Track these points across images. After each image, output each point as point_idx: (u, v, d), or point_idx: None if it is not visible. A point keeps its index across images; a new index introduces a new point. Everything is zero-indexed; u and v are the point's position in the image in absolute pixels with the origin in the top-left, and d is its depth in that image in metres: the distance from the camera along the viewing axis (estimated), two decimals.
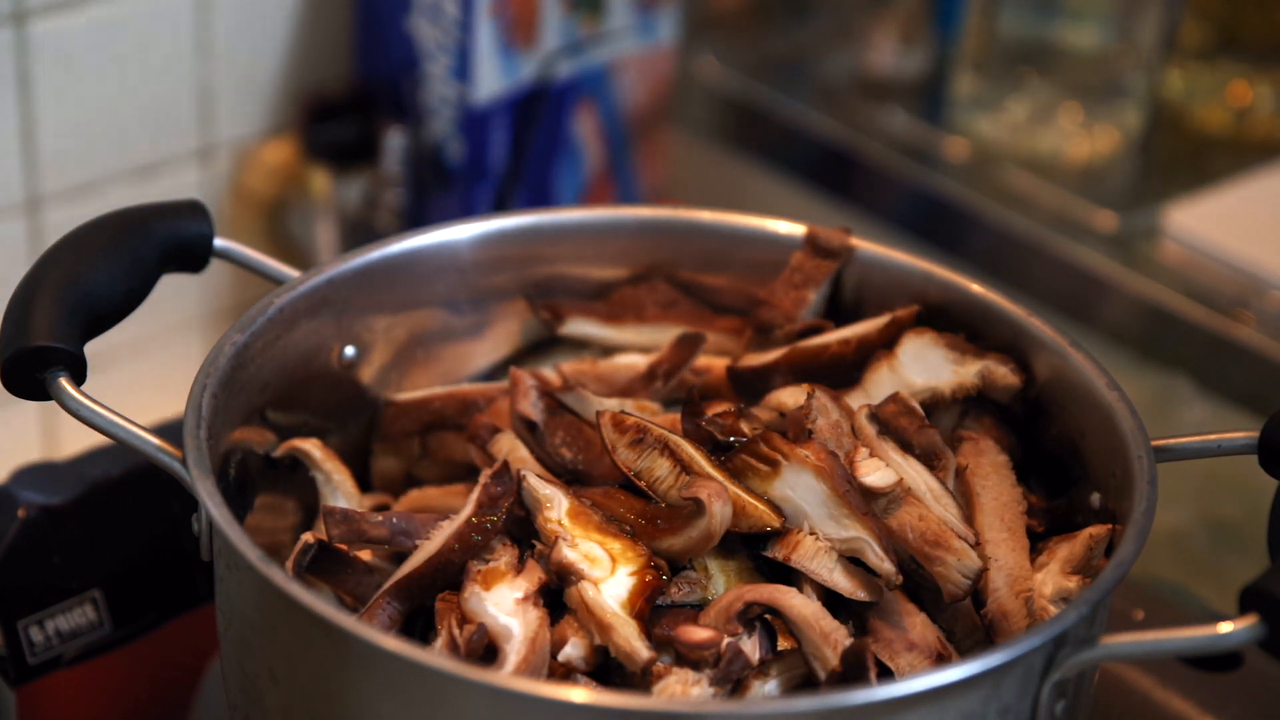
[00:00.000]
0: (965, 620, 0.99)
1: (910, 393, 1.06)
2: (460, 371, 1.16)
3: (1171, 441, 1.01)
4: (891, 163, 1.76)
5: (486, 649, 0.91)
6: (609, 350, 1.16)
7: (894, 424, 1.04)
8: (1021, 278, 1.66)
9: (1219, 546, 1.55)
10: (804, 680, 0.93)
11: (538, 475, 0.99)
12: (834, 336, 1.10)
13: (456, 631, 0.93)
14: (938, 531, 0.97)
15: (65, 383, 0.96)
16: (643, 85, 1.67)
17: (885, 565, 0.95)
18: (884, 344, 1.09)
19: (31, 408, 1.45)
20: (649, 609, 0.94)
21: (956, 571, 0.97)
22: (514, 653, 0.91)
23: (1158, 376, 1.59)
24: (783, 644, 0.94)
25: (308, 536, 0.99)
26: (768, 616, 0.94)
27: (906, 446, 1.03)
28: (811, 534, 0.96)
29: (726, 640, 0.92)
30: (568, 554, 0.95)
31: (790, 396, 1.07)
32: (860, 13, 1.92)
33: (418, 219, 1.55)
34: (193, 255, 1.08)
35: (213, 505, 0.92)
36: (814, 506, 0.97)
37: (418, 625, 0.97)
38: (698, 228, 1.17)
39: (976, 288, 1.10)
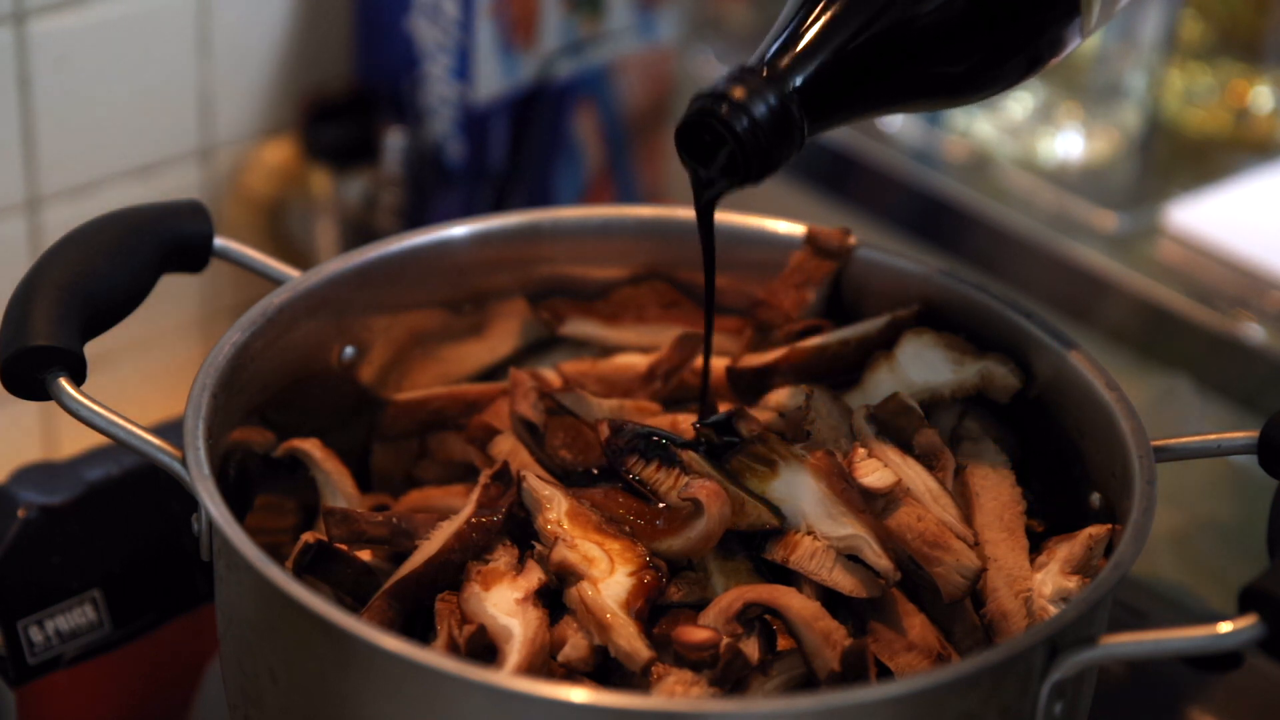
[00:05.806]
0: (965, 620, 0.99)
1: (910, 393, 1.06)
2: (460, 371, 1.16)
3: (1171, 441, 1.01)
4: (891, 163, 1.76)
5: (486, 649, 0.91)
6: (609, 350, 1.16)
7: (893, 424, 1.04)
8: (1021, 278, 1.66)
9: (1219, 546, 1.54)
10: (804, 680, 0.93)
11: (537, 476, 0.99)
12: (834, 336, 1.10)
13: (456, 631, 0.93)
14: (936, 532, 0.97)
15: (65, 383, 0.96)
16: (643, 85, 1.67)
17: (883, 562, 0.95)
18: (883, 344, 1.09)
19: (31, 408, 1.45)
20: (648, 609, 0.94)
21: (955, 572, 0.97)
22: (514, 653, 0.91)
23: (1158, 376, 1.59)
24: (783, 644, 0.94)
25: (308, 536, 0.98)
26: (767, 616, 0.94)
27: (906, 447, 1.03)
28: (810, 533, 0.96)
29: (726, 640, 0.92)
30: (567, 554, 0.94)
31: (790, 397, 1.07)
32: None
33: (418, 219, 1.55)
34: (193, 255, 1.08)
35: (213, 505, 0.92)
36: (812, 505, 0.97)
37: (418, 625, 0.97)
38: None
39: (976, 288, 1.10)
